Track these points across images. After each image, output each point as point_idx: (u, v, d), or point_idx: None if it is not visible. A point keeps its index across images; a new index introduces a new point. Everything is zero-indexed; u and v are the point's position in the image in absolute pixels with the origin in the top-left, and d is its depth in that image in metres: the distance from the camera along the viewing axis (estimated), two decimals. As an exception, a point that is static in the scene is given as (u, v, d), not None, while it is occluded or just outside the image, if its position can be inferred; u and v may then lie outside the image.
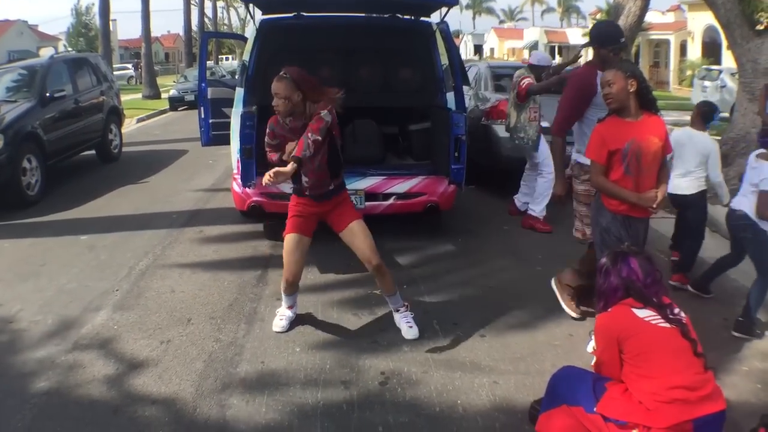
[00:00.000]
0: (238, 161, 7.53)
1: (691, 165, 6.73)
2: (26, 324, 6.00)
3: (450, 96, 8.07)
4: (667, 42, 44.53)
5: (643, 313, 3.69)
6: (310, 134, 4.98)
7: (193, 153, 15.23)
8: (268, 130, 5.36)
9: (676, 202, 7.00)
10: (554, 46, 63.80)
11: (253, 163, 7.13)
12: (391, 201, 7.79)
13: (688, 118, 7.57)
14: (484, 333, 5.74)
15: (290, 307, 5.86)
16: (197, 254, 7.86)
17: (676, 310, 3.74)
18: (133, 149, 16.14)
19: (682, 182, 6.77)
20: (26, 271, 7.41)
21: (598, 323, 3.89)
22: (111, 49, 34.81)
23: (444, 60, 8.39)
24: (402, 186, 7.81)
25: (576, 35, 62.46)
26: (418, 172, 8.01)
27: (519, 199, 9.51)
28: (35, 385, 4.94)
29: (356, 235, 5.49)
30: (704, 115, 6.90)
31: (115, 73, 45.34)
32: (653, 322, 3.66)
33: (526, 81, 8.75)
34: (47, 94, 11.72)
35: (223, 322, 5.93)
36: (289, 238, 5.52)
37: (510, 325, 5.92)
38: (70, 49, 54.29)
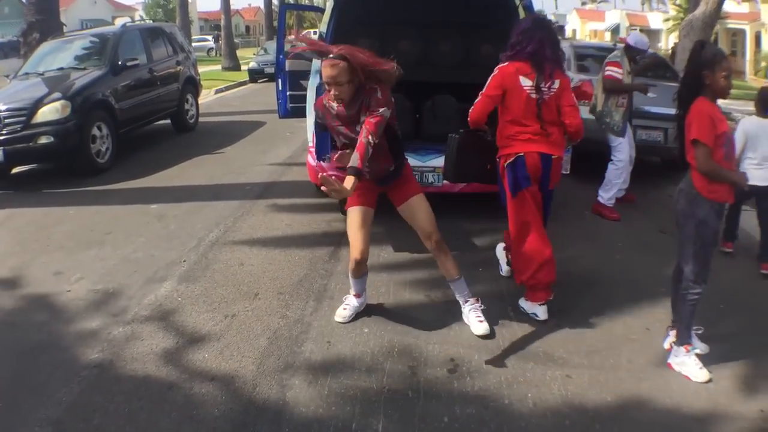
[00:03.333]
0: (313, 134, 7.36)
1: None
2: (84, 293, 5.97)
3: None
4: (743, 32, 43.30)
5: (525, 82, 5.32)
6: (369, 137, 4.48)
7: (270, 125, 15.13)
8: (314, 119, 4.97)
9: (753, 193, 6.71)
10: (635, 30, 62.32)
11: (328, 136, 6.93)
12: (468, 180, 7.51)
13: None
14: (559, 322, 5.48)
15: (358, 295, 5.54)
16: (269, 227, 7.74)
17: (555, 85, 5.39)
18: (210, 120, 16.13)
19: (758, 173, 6.56)
20: (90, 239, 7.40)
21: (499, 71, 5.44)
22: (189, 21, 35.04)
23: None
24: (482, 164, 7.50)
25: (657, 20, 61.47)
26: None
27: (603, 197, 8.90)
28: (87, 357, 4.87)
29: (416, 209, 5.12)
30: (763, 102, 6.82)
31: (194, 44, 45.89)
32: (527, 90, 5.33)
33: (610, 71, 8.38)
34: (119, 63, 11.76)
35: (291, 298, 5.79)
36: (354, 212, 5.13)
37: (586, 315, 5.64)
38: (147, 19, 54.94)
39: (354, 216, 5.12)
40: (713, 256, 4.71)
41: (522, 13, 7.57)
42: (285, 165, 11.17)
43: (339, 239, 7.27)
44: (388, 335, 5.18)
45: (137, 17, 58.65)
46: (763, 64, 37.65)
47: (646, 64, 8.47)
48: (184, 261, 6.63)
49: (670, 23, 52.69)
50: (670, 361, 4.77)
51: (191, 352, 4.93)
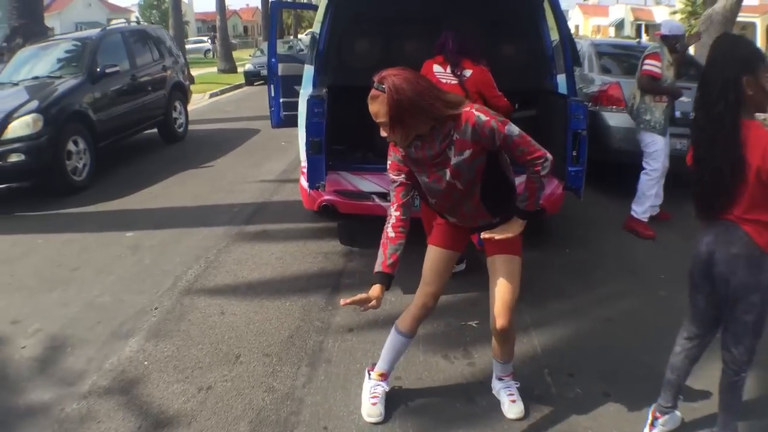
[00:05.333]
0: (305, 155, 6.35)
1: None
2: (41, 350, 5.01)
3: (561, 79, 6.71)
4: (753, 25, 42.73)
5: (437, 68, 6.00)
6: (541, 170, 3.50)
7: (265, 133, 14.12)
8: (390, 162, 3.72)
9: None
10: (640, 24, 61.43)
11: (323, 159, 5.96)
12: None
13: None
14: (607, 390, 4.47)
15: (384, 376, 4.23)
16: (257, 261, 6.71)
17: (467, 72, 5.94)
18: (201, 127, 15.19)
19: None
20: (55, 277, 6.42)
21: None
22: (185, 22, 34.21)
23: (554, 35, 6.99)
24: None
25: (662, 14, 59.95)
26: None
27: (636, 212, 7.88)
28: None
29: (495, 273, 3.84)
30: None
31: (191, 46, 45.13)
32: (438, 76, 5.91)
33: (648, 65, 7.36)
34: (98, 70, 10.87)
35: (280, 361, 4.76)
36: (435, 253, 3.99)
37: (639, 378, 4.61)
38: (142, 21, 54.14)
39: (432, 256, 4.01)
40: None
41: (548, 9, 6.53)
42: (278, 182, 10.16)
43: (337, 279, 6.29)
44: (400, 417, 4.14)
45: (133, 19, 57.93)
46: (775, 58, 36.77)
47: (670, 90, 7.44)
48: (156, 308, 5.62)
49: (677, 17, 51.70)
50: None
51: (155, 442, 3.92)
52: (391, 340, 4.19)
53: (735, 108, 3.24)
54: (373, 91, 3.30)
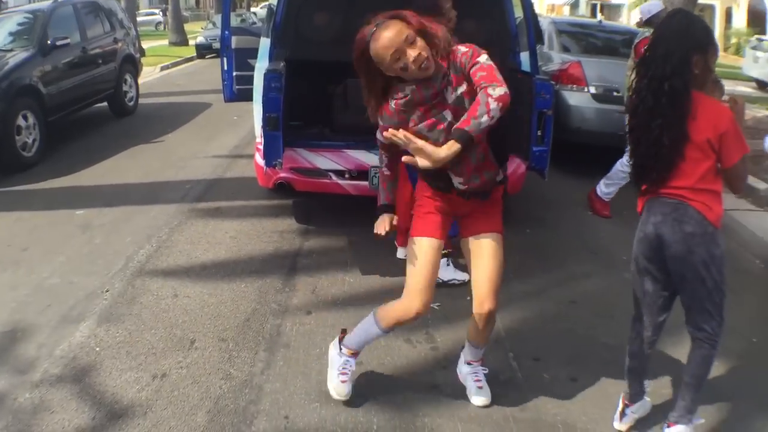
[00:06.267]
0: (261, 131, 6.15)
1: None
2: (-12, 339, 4.71)
3: (524, 57, 6.59)
4: (712, 7, 42.90)
5: None
6: (490, 89, 3.09)
7: (216, 107, 13.72)
8: (381, 125, 3.46)
9: None
10: (596, 5, 61.34)
11: (280, 136, 5.75)
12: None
13: (741, 88, 6.27)
14: (574, 374, 4.39)
15: (356, 354, 4.04)
16: (210, 241, 6.48)
17: None
18: (152, 101, 14.74)
19: None
20: (5, 258, 6.13)
21: None
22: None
23: (517, 12, 6.84)
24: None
25: (619, -7, 60.00)
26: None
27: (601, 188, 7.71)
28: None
29: (481, 253, 3.69)
30: None
31: (142, 18, 44.24)
32: None
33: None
34: (49, 42, 10.43)
35: (237, 346, 4.57)
36: (422, 245, 3.66)
37: (606, 362, 4.51)
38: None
39: (422, 250, 3.65)
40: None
41: None
42: (230, 157, 9.89)
43: (293, 259, 6.10)
44: (364, 405, 3.98)
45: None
46: (734, 40, 37.14)
47: None
48: (107, 291, 5.37)
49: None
50: None
51: (110, 432, 3.72)
52: (368, 329, 3.94)
53: (686, 83, 3.22)
54: (385, 21, 3.19)
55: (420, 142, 3.21)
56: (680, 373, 3.72)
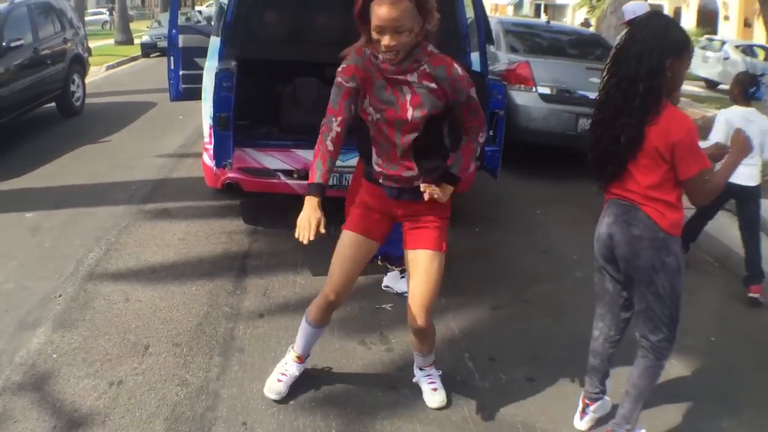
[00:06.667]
0: (210, 128, 6.06)
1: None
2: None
3: (475, 57, 6.61)
4: (660, 7, 43.40)
5: None
6: (481, 137, 3.60)
7: (162, 106, 13.59)
8: (344, 66, 3.45)
9: (734, 195, 5.81)
10: (540, 5, 61.72)
11: (230, 136, 5.68)
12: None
13: (690, 87, 6.38)
14: (531, 374, 4.43)
15: (301, 359, 4.07)
16: (159, 243, 6.37)
17: None
18: (98, 101, 14.42)
19: (744, 171, 5.42)
20: (-41, 263, 5.94)
21: None
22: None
23: (469, 13, 6.85)
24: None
25: (562, -6, 60.44)
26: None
27: None
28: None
29: (416, 270, 3.64)
30: (743, 87, 5.84)
31: (89, 18, 43.57)
32: None
33: None
34: (3, 44, 10.19)
35: (191, 351, 4.49)
36: (346, 238, 3.71)
37: (562, 361, 4.58)
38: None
39: (345, 242, 3.71)
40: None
41: None
42: (177, 157, 9.75)
43: (243, 261, 6.04)
44: (322, 408, 3.96)
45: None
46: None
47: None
48: (60, 296, 5.24)
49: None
50: None
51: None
52: (303, 328, 3.99)
53: (660, 86, 3.18)
54: (404, 16, 3.16)
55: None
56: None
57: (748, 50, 24.48)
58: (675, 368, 3.95)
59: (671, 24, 3.27)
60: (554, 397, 4.19)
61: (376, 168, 3.61)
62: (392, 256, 5.42)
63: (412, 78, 3.34)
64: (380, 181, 3.63)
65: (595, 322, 3.84)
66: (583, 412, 3.89)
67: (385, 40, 3.17)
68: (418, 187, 3.48)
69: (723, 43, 25.11)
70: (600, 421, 3.91)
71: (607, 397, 3.94)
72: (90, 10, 46.34)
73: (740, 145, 3.38)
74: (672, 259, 3.32)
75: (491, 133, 5.82)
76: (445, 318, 5.07)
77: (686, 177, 3.19)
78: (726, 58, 23.14)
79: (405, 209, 3.63)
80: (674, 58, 3.18)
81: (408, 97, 3.36)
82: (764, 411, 4.24)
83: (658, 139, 3.16)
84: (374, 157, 3.63)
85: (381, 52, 3.25)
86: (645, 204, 3.29)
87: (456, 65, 3.37)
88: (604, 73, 3.47)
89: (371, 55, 3.38)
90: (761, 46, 24.87)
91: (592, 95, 8.29)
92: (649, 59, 3.15)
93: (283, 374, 4.03)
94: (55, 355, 4.41)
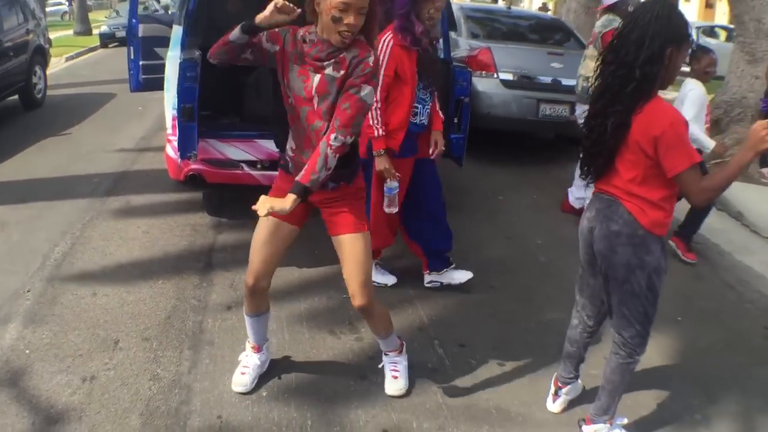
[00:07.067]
0: (173, 119, 6.00)
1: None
2: None
3: (439, 45, 6.61)
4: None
5: None
6: (334, 141, 3.24)
7: (121, 97, 13.46)
8: (270, 33, 3.40)
9: None
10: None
11: (195, 127, 5.64)
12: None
13: None
14: (501, 360, 4.47)
15: (257, 348, 4.12)
16: (123, 236, 6.32)
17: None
18: (58, 92, 14.23)
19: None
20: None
21: (392, 50, 4.70)
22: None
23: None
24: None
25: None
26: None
27: (573, 194, 7.41)
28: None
29: (343, 254, 3.68)
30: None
31: (50, 8, 42.93)
32: None
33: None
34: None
35: (161, 345, 4.48)
36: (262, 223, 3.71)
37: (530, 346, 4.66)
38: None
39: (261, 228, 3.73)
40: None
41: None
42: (137, 150, 9.64)
43: (208, 254, 6.01)
44: (295, 399, 3.97)
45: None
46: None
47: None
48: (29, 291, 5.19)
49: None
50: None
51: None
52: (246, 319, 4.05)
53: (657, 74, 3.10)
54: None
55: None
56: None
57: (709, 31, 24.49)
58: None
59: (675, 11, 3.13)
60: (525, 381, 4.25)
61: (290, 152, 3.63)
62: (441, 251, 5.44)
63: (328, 66, 3.32)
64: (289, 168, 3.63)
65: (575, 311, 3.85)
66: (556, 394, 3.95)
67: (350, 19, 3.15)
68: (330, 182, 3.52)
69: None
70: (572, 403, 3.99)
71: (579, 381, 4.01)
72: (50, 1, 45.66)
73: (758, 140, 2.98)
74: (651, 258, 3.27)
75: (456, 121, 5.84)
76: (413, 306, 5.13)
77: (674, 173, 3.06)
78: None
79: (318, 196, 3.58)
80: (674, 47, 3.08)
81: (315, 84, 3.34)
82: (733, 390, 4.33)
83: (640, 133, 3.09)
84: (289, 141, 3.64)
85: (338, 32, 3.21)
86: (626, 199, 3.24)
87: (373, 55, 3.30)
88: (598, 62, 3.38)
89: (301, 38, 3.37)
90: (723, 27, 24.89)
91: (564, 81, 8.45)
92: (651, 45, 3.04)
93: (245, 366, 4.07)
94: (27, 351, 4.38)
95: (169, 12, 13.22)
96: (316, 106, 3.37)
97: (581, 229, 3.55)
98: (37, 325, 4.70)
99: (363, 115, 3.32)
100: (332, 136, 3.22)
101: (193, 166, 6.11)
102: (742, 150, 3.04)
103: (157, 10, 13.01)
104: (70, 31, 32.96)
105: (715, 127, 8.09)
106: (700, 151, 5.27)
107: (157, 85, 6.95)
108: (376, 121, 4.74)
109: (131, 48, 7.51)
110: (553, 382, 3.99)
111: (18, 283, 5.31)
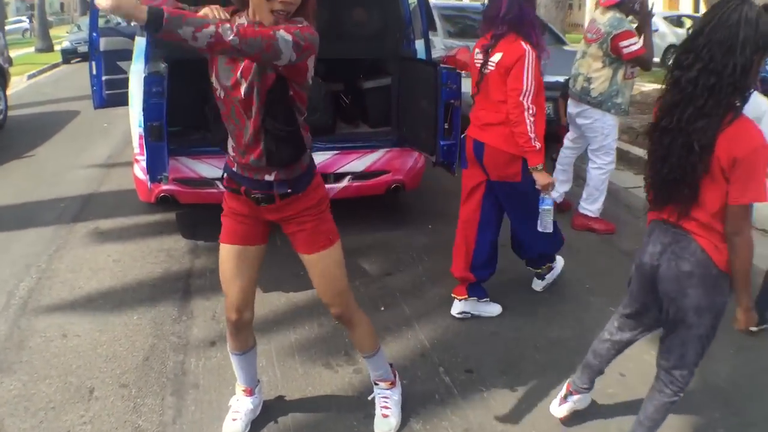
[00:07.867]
0: (140, 138, 5.61)
1: None
2: None
3: (420, 45, 6.30)
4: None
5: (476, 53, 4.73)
6: (231, 34, 2.61)
7: (85, 114, 13.05)
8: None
9: None
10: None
11: (164, 147, 5.23)
12: (345, 183, 6.12)
13: None
14: (513, 385, 4.13)
15: (249, 391, 3.75)
16: (92, 267, 5.88)
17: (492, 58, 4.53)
18: (20, 113, 13.84)
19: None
20: None
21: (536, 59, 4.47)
22: (4, 2, 31.97)
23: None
24: (359, 163, 6.16)
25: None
26: (378, 144, 6.26)
27: (557, 190, 7.02)
28: None
29: (312, 272, 3.43)
30: None
31: (10, 27, 42.68)
32: (475, 60, 4.71)
33: (629, 48, 6.30)
34: None
35: (140, 392, 4.06)
36: (227, 254, 3.39)
37: (541, 365, 4.33)
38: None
39: (226, 259, 3.40)
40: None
41: None
42: (105, 169, 9.22)
43: (186, 281, 5.60)
44: (293, 444, 3.60)
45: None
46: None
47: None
48: (-6, 334, 4.79)
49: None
50: None
51: None
52: (232, 359, 3.70)
53: (746, 87, 2.70)
54: None
55: None
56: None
57: (675, 20, 24.40)
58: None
59: (762, 14, 2.69)
60: (542, 407, 3.91)
61: (231, 152, 3.27)
62: (545, 254, 5.23)
63: None
64: (235, 170, 3.26)
65: (609, 326, 3.52)
66: (565, 398, 3.69)
67: None
68: (271, 184, 3.18)
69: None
70: (576, 414, 3.73)
71: (590, 395, 3.78)
72: (11, 19, 45.24)
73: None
74: (721, 300, 2.93)
75: (446, 126, 5.49)
76: (412, 328, 4.79)
77: (736, 203, 2.72)
78: (655, 30, 23.04)
79: (274, 214, 3.29)
80: (759, 55, 2.67)
81: (242, 66, 2.96)
82: (754, 399, 4.04)
83: (722, 151, 2.68)
84: (229, 140, 3.26)
85: (271, 11, 2.88)
86: (700, 235, 2.86)
87: (306, 24, 2.94)
88: (671, 64, 2.89)
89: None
90: (689, 16, 24.80)
91: (549, 78, 8.09)
92: (742, 52, 2.62)
93: (236, 411, 3.70)
94: (-5, 405, 3.96)
95: (132, 24, 12.83)
96: (243, 93, 2.98)
97: (640, 264, 3.12)
98: (4, 374, 4.28)
99: (265, 48, 2.72)
100: (226, 26, 2.63)
101: (165, 188, 5.75)
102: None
103: (119, 23, 12.69)
104: (32, 49, 32.86)
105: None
106: None
107: (122, 100, 6.66)
108: (532, 133, 4.37)
109: (93, 63, 7.16)
110: (566, 385, 3.72)
111: (-18, 326, 4.87)
